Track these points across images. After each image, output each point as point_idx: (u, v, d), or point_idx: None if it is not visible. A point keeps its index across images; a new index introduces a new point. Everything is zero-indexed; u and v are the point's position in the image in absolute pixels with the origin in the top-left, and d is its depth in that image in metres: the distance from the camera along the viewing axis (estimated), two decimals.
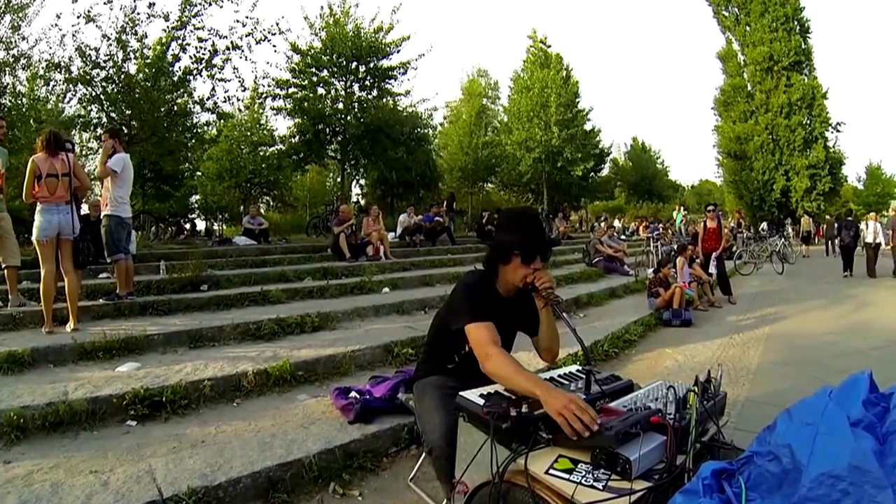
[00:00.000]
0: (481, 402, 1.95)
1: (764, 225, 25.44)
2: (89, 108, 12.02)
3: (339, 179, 21.37)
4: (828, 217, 24.44)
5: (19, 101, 12.57)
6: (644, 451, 1.60)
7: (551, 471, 1.63)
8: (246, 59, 14.63)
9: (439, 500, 2.86)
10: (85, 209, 8.24)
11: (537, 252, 2.37)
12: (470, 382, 2.30)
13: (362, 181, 22.28)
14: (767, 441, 1.36)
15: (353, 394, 3.91)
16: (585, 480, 1.57)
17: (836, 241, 15.99)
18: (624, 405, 1.93)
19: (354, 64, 16.83)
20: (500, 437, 1.80)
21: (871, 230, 14.10)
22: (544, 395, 1.84)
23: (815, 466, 1.19)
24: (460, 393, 2.08)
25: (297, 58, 16.67)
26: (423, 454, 3.12)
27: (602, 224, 18.74)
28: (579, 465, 1.65)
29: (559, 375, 2.34)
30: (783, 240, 16.92)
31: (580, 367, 2.47)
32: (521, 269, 2.34)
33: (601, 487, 1.54)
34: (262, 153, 17.83)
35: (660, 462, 1.67)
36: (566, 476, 1.60)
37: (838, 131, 29.94)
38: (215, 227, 23.39)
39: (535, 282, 2.33)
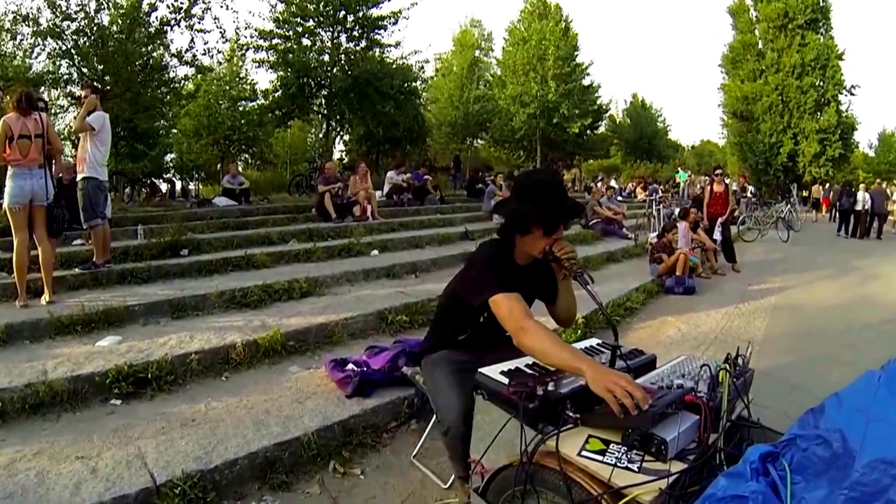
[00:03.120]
0: (504, 380, 1.85)
1: (751, 189, 24.93)
2: (59, 63, 11.47)
3: (321, 136, 20.76)
4: (836, 186, 24.06)
5: None
6: (679, 431, 1.56)
7: (584, 453, 1.57)
8: (227, 9, 13.89)
9: (445, 477, 2.81)
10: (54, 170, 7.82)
11: (560, 222, 2.24)
12: (482, 356, 2.23)
13: (346, 137, 21.65)
14: (815, 425, 1.32)
15: (350, 366, 3.78)
16: (620, 462, 1.52)
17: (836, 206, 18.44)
18: (651, 382, 1.84)
19: (342, 13, 16.10)
20: (525, 417, 1.71)
21: (861, 199, 16.62)
22: (591, 371, 1.74)
23: (868, 452, 1.17)
24: (480, 370, 1.97)
25: (281, 6, 15.96)
26: (426, 430, 3.06)
27: (599, 184, 18.39)
28: (611, 446, 1.59)
29: (581, 349, 2.23)
30: (788, 206, 16.73)
31: (602, 341, 2.40)
32: (542, 240, 2.22)
33: (636, 469, 1.49)
34: (241, 108, 17.24)
35: (691, 442, 1.62)
36: (600, 458, 1.55)
37: (852, 94, 28.67)
38: (191, 186, 22.77)
39: (556, 252, 2.21)
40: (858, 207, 16.73)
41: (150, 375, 3.61)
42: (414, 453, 3.07)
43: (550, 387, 1.80)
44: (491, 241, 2.45)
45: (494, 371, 1.95)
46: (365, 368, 3.74)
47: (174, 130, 17.40)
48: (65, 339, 4.24)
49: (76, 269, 5.68)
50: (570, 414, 1.70)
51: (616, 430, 1.62)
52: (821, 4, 28.79)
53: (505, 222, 2.37)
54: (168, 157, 20.41)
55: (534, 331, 1.98)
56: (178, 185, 20.24)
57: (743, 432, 1.79)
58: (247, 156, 19.45)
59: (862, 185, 18.28)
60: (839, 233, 16.79)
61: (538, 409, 1.72)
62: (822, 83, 28.20)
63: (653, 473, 1.46)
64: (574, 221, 12.73)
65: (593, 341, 2.41)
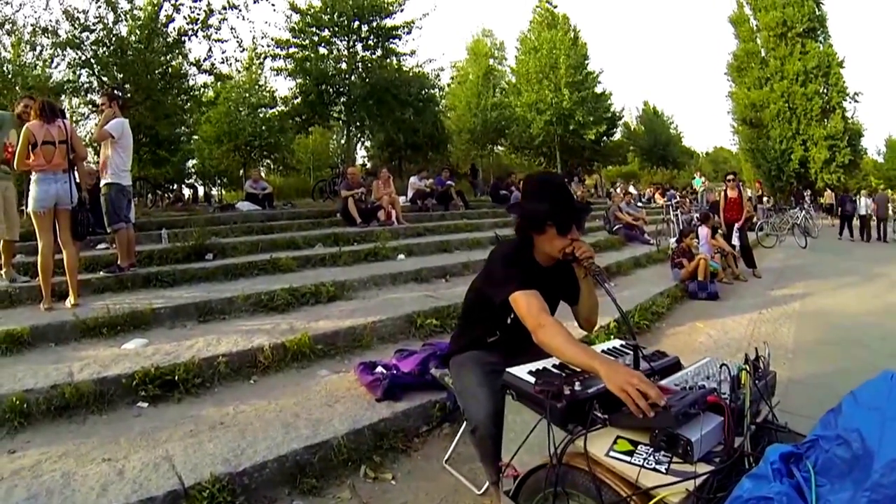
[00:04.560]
0: (532, 379, 1.85)
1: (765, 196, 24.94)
2: (79, 72, 11.61)
3: (343, 142, 20.83)
4: (844, 192, 24.10)
5: (4, 68, 12.07)
6: (703, 432, 1.55)
7: (612, 453, 1.57)
8: (244, 19, 14.08)
9: (478, 482, 2.72)
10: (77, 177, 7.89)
11: (572, 221, 2.22)
12: (511, 357, 2.18)
13: (367, 143, 21.73)
14: (834, 424, 1.32)
15: (379, 369, 3.71)
16: (648, 463, 1.51)
17: (838, 212, 19.77)
18: (675, 383, 1.85)
19: (356, 23, 16.24)
20: (553, 417, 1.71)
21: (863, 204, 17.92)
22: (604, 369, 1.74)
23: (886, 452, 1.17)
24: (508, 370, 1.96)
25: (296, 17, 16.12)
26: (458, 434, 3.00)
27: (618, 190, 18.27)
28: (639, 447, 1.58)
29: (603, 350, 2.22)
30: (804, 212, 16.79)
31: (624, 342, 2.36)
32: (558, 239, 2.21)
33: (664, 470, 1.48)
34: (261, 115, 17.38)
35: (717, 444, 1.60)
36: (627, 459, 1.54)
37: (856, 101, 29.09)
38: (213, 192, 22.98)
39: (575, 252, 2.19)
40: (862, 212, 17.92)
41: (177, 378, 3.55)
42: (446, 458, 2.97)
43: (577, 387, 1.78)
44: (511, 240, 2.44)
45: (522, 371, 1.93)
46: (395, 372, 3.66)
47: (195, 137, 17.60)
48: (90, 342, 4.21)
49: (101, 273, 5.67)
50: (598, 414, 1.67)
51: (643, 431, 1.61)
52: (817, 13, 29.37)
53: (520, 221, 2.36)
54: (190, 163, 20.67)
55: (550, 327, 1.98)
56: (201, 191, 20.46)
57: (771, 436, 1.75)
58: (269, 161, 19.57)
59: (864, 192, 19.40)
60: (852, 238, 17.67)
61: (566, 408, 1.70)
62: (825, 90, 28.66)
63: (679, 475, 1.45)
64: (600, 227, 12.68)
65: (616, 342, 2.38)
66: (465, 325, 2.57)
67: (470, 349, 2.43)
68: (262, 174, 16.08)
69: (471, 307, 2.53)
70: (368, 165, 19.69)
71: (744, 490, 1.28)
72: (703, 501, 1.40)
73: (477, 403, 2.15)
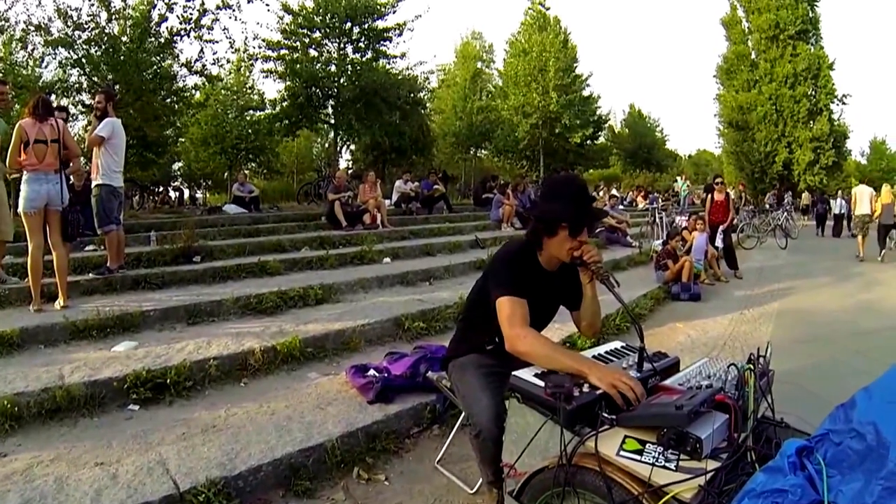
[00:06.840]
0: (540, 382, 1.85)
1: (769, 197, 25.10)
2: (70, 71, 11.51)
3: (327, 145, 20.77)
4: (821, 194, 24.49)
5: None
6: (713, 429, 1.59)
7: (622, 452, 1.59)
8: (236, 20, 13.97)
9: (470, 482, 2.76)
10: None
11: (584, 224, 2.21)
12: (511, 362, 2.18)
13: (352, 146, 21.69)
14: (847, 419, 1.35)
15: (371, 372, 3.73)
16: (658, 461, 1.54)
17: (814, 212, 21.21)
18: (679, 383, 1.90)
19: (348, 24, 16.31)
20: (563, 418, 1.73)
21: (837, 204, 19.25)
22: (594, 370, 1.82)
23: None
24: (514, 373, 1.96)
25: (288, 18, 16.12)
26: (450, 435, 3.03)
27: (601, 193, 18.34)
28: (647, 446, 1.60)
29: (606, 352, 2.25)
30: (785, 213, 16.98)
31: (625, 344, 2.38)
32: (568, 242, 2.18)
33: (673, 468, 1.51)
34: (248, 118, 17.28)
35: (721, 441, 1.64)
36: (638, 457, 1.56)
37: (844, 104, 29.35)
38: (198, 195, 22.86)
39: (582, 256, 2.18)
40: (836, 211, 19.12)
41: (168, 381, 3.55)
42: (438, 459, 3.01)
43: (586, 388, 1.81)
44: (517, 240, 2.42)
45: (528, 374, 1.93)
46: (386, 374, 3.69)
47: (182, 139, 17.47)
48: (80, 344, 4.19)
49: (90, 274, 5.61)
50: (606, 415, 1.69)
51: (650, 430, 1.64)
52: (810, 15, 29.47)
53: (534, 223, 2.33)
54: (176, 166, 20.53)
55: (529, 336, 2.02)
56: (186, 193, 20.32)
57: (769, 431, 1.81)
58: (254, 165, 19.50)
59: (838, 192, 20.71)
60: (822, 235, 18.90)
61: (576, 410, 1.72)
62: (814, 93, 28.84)
63: (690, 471, 1.48)
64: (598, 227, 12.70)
65: (617, 344, 2.39)
66: (466, 329, 2.57)
67: (469, 353, 2.44)
68: (247, 177, 16.07)
69: (472, 307, 2.53)
70: (353, 169, 19.69)
71: (757, 483, 1.31)
72: (713, 496, 1.43)
73: (481, 407, 2.17)
